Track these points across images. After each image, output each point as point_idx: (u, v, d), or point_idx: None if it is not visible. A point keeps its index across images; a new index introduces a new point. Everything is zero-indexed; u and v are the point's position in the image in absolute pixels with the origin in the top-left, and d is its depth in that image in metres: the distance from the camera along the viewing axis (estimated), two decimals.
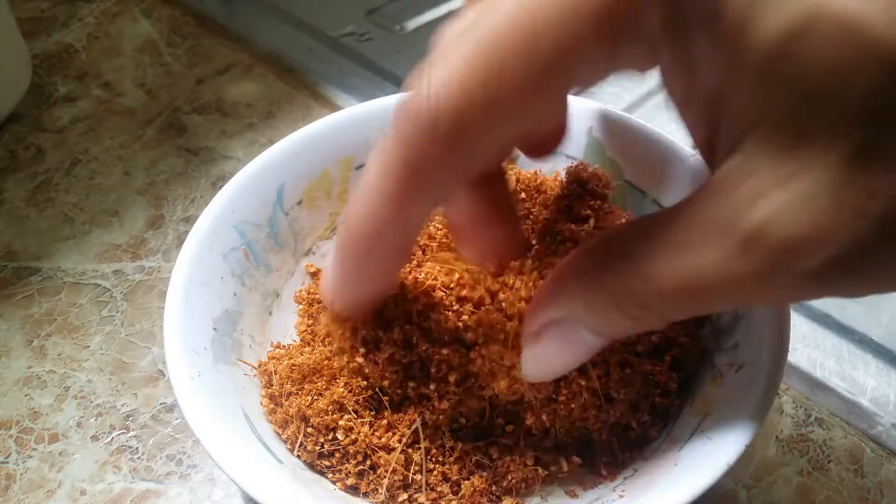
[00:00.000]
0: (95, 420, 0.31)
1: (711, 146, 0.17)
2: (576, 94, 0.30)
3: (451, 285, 0.24)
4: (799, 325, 0.32)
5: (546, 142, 0.24)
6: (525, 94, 0.16)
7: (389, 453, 0.24)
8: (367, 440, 0.24)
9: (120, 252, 0.37)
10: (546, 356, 0.20)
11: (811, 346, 0.32)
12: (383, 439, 0.24)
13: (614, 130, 0.29)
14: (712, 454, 0.21)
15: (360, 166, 0.32)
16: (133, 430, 0.31)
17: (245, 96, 0.45)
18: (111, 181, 0.41)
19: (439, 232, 0.28)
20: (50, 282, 0.36)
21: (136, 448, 0.30)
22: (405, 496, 0.24)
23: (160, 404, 0.31)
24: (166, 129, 0.43)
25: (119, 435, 0.30)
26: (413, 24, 0.50)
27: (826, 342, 0.32)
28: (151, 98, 0.45)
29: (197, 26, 0.50)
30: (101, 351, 0.33)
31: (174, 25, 0.50)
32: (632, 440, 0.26)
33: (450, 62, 0.16)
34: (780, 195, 0.15)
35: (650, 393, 0.25)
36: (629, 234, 0.18)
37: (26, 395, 0.32)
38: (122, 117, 0.44)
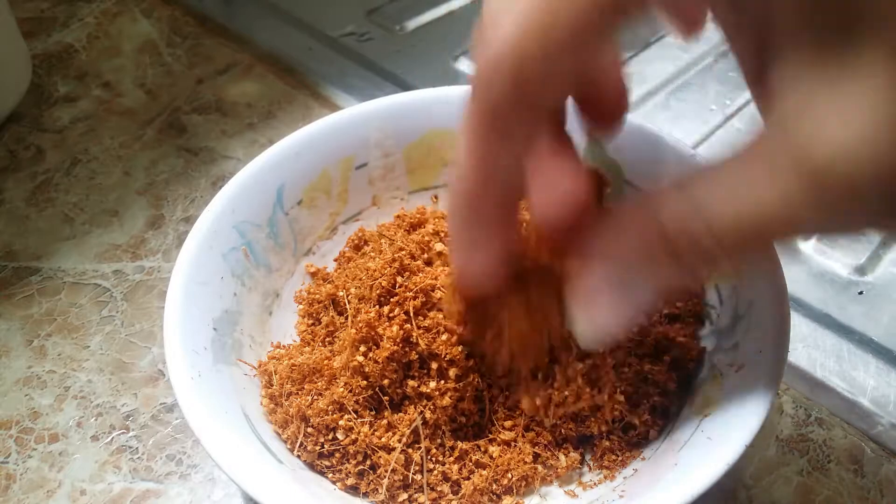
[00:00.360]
0: (95, 420, 0.31)
1: (760, 74, 0.17)
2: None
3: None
4: (799, 325, 0.32)
5: (611, 107, 0.24)
6: (579, 28, 0.16)
7: (389, 453, 0.24)
8: (367, 440, 0.24)
9: (120, 252, 0.37)
10: (601, 314, 0.20)
11: (811, 346, 0.32)
12: (383, 439, 0.24)
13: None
14: (712, 454, 0.21)
15: (361, 166, 0.32)
16: (133, 430, 0.31)
17: (245, 96, 0.45)
18: (111, 181, 0.41)
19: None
20: (50, 282, 0.36)
21: (136, 448, 0.30)
22: (405, 496, 0.24)
23: (160, 404, 0.31)
24: (166, 129, 0.43)
25: (119, 435, 0.30)
26: (413, 24, 0.50)
27: (826, 342, 0.32)
28: (151, 98, 0.45)
29: (197, 26, 0.50)
30: (101, 351, 0.33)
31: (174, 25, 0.50)
32: (632, 440, 0.26)
33: (505, 13, 0.16)
34: (842, 122, 0.14)
35: (649, 392, 0.25)
36: (686, 181, 0.17)
37: (26, 395, 0.32)
38: (122, 117, 0.44)
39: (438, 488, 0.24)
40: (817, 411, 0.30)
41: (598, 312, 0.20)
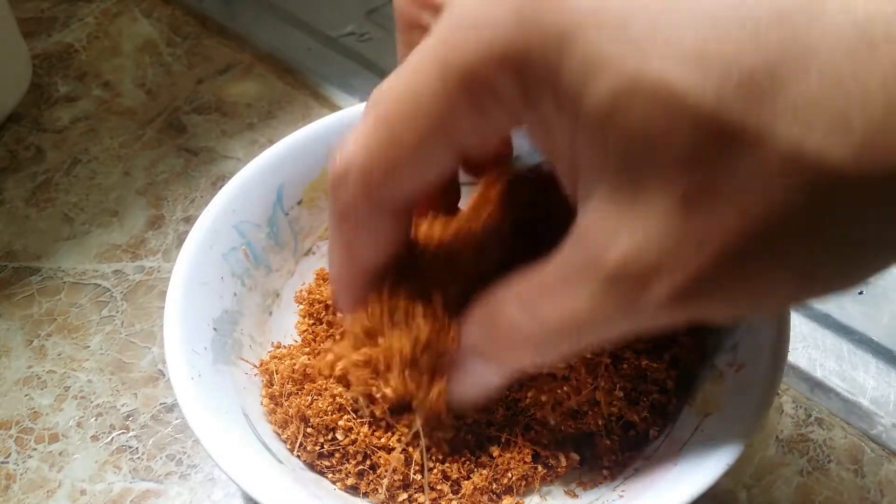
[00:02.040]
0: (95, 420, 0.31)
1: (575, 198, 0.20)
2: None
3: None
4: (799, 325, 0.32)
5: (491, 161, 0.26)
6: (416, 154, 0.19)
7: (389, 453, 0.24)
8: (367, 440, 0.24)
9: (120, 252, 0.37)
10: (459, 388, 0.23)
11: (811, 346, 0.32)
12: (383, 439, 0.24)
13: None
14: (712, 454, 0.21)
15: None
16: (133, 430, 0.31)
17: (245, 96, 0.45)
18: (111, 181, 0.41)
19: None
20: (50, 282, 0.36)
21: (136, 448, 0.30)
22: (405, 496, 0.24)
23: (160, 404, 0.31)
24: (166, 129, 0.43)
25: (119, 435, 0.30)
26: None
27: (826, 342, 0.32)
28: (151, 98, 0.45)
29: (197, 26, 0.50)
30: (101, 351, 0.33)
31: (174, 25, 0.50)
32: (632, 440, 0.26)
33: (360, 128, 0.20)
34: (631, 237, 0.17)
35: (648, 389, 0.25)
36: (522, 279, 0.20)
37: (26, 395, 0.32)
38: (122, 117, 0.44)
39: (438, 487, 0.24)
40: (817, 411, 0.30)
41: (459, 379, 0.23)
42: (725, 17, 0.15)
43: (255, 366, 0.27)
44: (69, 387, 0.32)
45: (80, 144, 0.42)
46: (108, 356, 0.33)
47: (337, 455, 0.25)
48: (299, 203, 0.31)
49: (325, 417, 0.24)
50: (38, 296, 0.35)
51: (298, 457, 0.25)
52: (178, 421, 0.31)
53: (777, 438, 0.30)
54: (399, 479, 0.24)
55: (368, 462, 0.24)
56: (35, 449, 0.30)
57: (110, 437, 0.30)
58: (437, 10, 0.19)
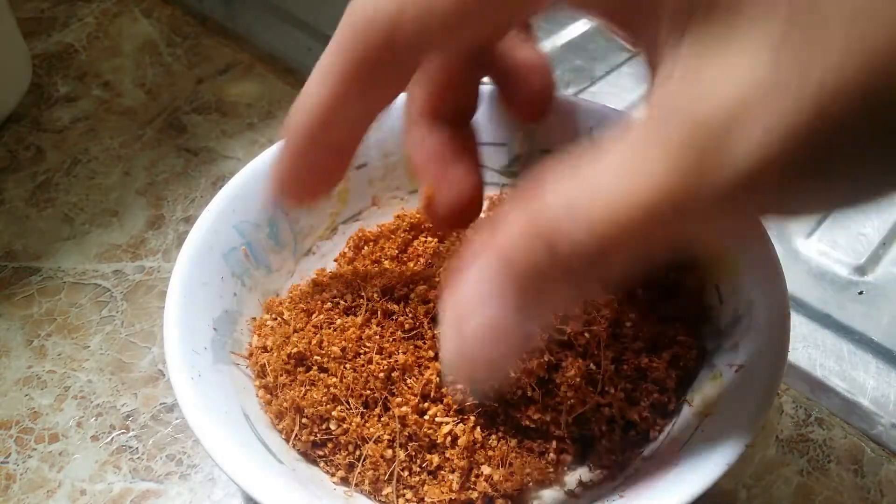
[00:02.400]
0: (95, 420, 0.31)
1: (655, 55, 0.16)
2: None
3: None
4: (799, 325, 0.32)
5: (532, 97, 0.24)
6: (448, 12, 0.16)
7: (377, 444, 0.24)
8: (359, 431, 0.24)
9: (120, 252, 0.37)
10: (472, 338, 0.17)
11: (811, 346, 0.32)
12: (373, 430, 0.24)
13: (615, 129, 0.30)
14: (712, 454, 0.21)
15: (361, 166, 0.32)
16: (133, 430, 0.31)
17: (245, 96, 0.45)
18: (111, 181, 0.41)
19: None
20: (50, 282, 0.36)
21: (136, 448, 0.30)
22: (389, 489, 0.24)
23: (160, 404, 0.31)
24: (166, 129, 0.43)
25: (119, 435, 0.30)
26: None
27: (826, 342, 0.32)
28: (151, 98, 0.45)
29: (197, 26, 0.50)
30: (101, 351, 0.33)
31: (174, 25, 0.50)
32: (632, 440, 0.26)
33: None
34: (720, 87, 0.14)
35: (648, 388, 0.25)
36: (566, 170, 0.16)
37: (26, 395, 0.32)
38: (122, 117, 0.44)
39: (426, 487, 0.24)
40: (817, 411, 0.30)
41: (469, 334, 0.17)
42: None
43: (246, 357, 0.27)
44: (69, 387, 0.32)
45: (80, 144, 0.42)
46: (108, 356, 0.33)
47: (330, 445, 0.25)
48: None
49: (320, 408, 0.24)
50: (38, 296, 0.35)
51: (294, 446, 0.25)
52: (178, 421, 0.31)
53: (777, 438, 0.30)
54: (385, 473, 0.24)
55: (358, 452, 0.24)
56: (35, 449, 0.30)
57: (110, 437, 0.30)
58: None
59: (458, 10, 0.17)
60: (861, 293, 0.34)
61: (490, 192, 0.30)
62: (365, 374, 0.25)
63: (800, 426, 0.30)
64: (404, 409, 0.24)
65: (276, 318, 0.28)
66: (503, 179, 0.32)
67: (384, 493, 0.24)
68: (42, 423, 0.31)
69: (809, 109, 0.13)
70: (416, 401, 0.24)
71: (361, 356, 0.25)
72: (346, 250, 0.31)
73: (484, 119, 0.31)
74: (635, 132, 0.15)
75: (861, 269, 0.35)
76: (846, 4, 0.13)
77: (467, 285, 0.16)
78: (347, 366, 0.25)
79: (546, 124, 0.30)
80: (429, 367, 0.25)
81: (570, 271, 0.16)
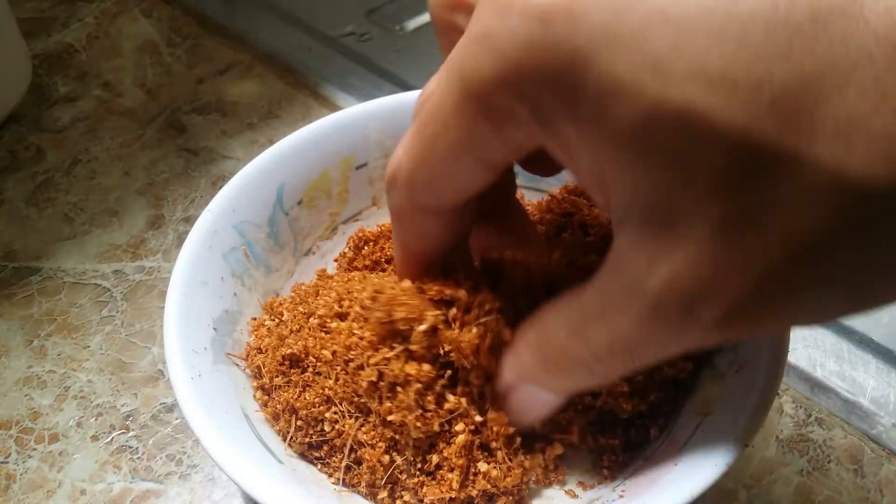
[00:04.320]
0: (95, 420, 0.31)
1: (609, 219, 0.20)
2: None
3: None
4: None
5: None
6: (448, 168, 0.20)
7: (373, 449, 0.24)
8: (353, 435, 0.24)
9: (120, 252, 0.37)
10: (517, 412, 0.24)
11: (811, 346, 0.32)
12: (367, 435, 0.24)
13: None
14: (712, 454, 0.21)
15: (361, 166, 0.32)
16: (133, 430, 0.31)
17: (245, 96, 0.45)
18: (111, 181, 0.41)
19: None
20: (50, 282, 0.36)
21: (136, 448, 0.30)
22: (384, 494, 0.24)
23: (160, 404, 0.31)
24: (166, 129, 0.43)
25: (119, 435, 0.30)
26: (413, 24, 0.50)
27: (826, 342, 0.32)
28: (151, 98, 0.45)
29: (197, 26, 0.50)
30: (101, 351, 0.33)
31: (174, 25, 0.50)
32: (632, 440, 0.26)
33: (408, 135, 0.20)
34: (670, 264, 0.16)
35: (648, 387, 0.25)
36: (567, 304, 0.21)
37: (26, 395, 0.32)
38: (122, 117, 0.44)
39: (425, 487, 0.24)
40: (817, 411, 0.30)
41: (513, 409, 0.24)
42: (753, 27, 0.14)
43: (243, 358, 0.27)
44: (69, 387, 0.32)
45: (80, 144, 0.42)
46: (108, 356, 0.33)
47: (325, 447, 0.25)
48: (299, 203, 0.30)
49: (313, 409, 0.24)
50: (38, 296, 0.35)
51: (290, 448, 0.25)
52: (178, 421, 0.31)
53: (777, 438, 0.30)
54: (380, 478, 0.24)
55: (353, 456, 0.24)
56: (35, 449, 0.30)
57: (110, 437, 0.30)
58: (470, 11, 0.18)
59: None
60: None
61: None
62: (354, 380, 0.24)
63: (800, 426, 0.30)
64: (394, 416, 0.23)
65: (274, 320, 0.28)
66: None
67: (380, 497, 0.24)
68: (42, 423, 0.31)
69: (752, 285, 0.16)
70: (413, 404, 0.23)
71: (352, 362, 0.24)
72: (346, 250, 0.31)
73: None
74: (610, 288, 0.19)
75: None
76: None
77: (503, 383, 0.23)
78: (339, 369, 0.25)
79: None
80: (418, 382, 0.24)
81: (570, 376, 0.21)
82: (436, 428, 0.24)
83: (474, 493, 0.24)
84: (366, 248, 0.31)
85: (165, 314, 0.25)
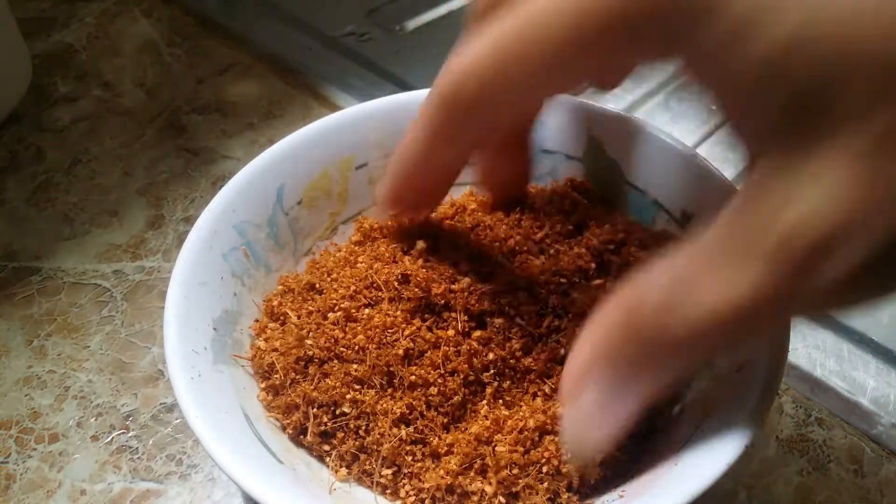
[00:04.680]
0: (95, 420, 0.31)
1: (742, 141, 0.18)
2: (581, 92, 0.31)
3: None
4: (799, 326, 0.32)
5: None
6: (542, 68, 0.18)
7: (389, 416, 0.24)
8: (372, 406, 0.24)
9: (120, 252, 0.37)
10: (583, 418, 0.20)
11: (811, 346, 0.32)
12: (387, 404, 0.24)
13: (615, 130, 0.30)
14: (712, 454, 0.21)
15: (361, 166, 0.31)
16: (133, 430, 0.31)
17: (245, 96, 0.45)
18: (111, 181, 0.41)
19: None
20: (50, 282, 0.36)
21: (136, 448, 0.30)
22: (388, 472, 0.24)
23: (160, 404, 0.31)
24: (166, 129, 0.43)
25: (119, 435, 0.30)
26: (413, 24, 0.50)
27: (826, 342, 0.32)
28: (151, 98, 0.45)
29: (197, 26, 0.50)
30: (101, 351, 0.33)
31: (174, 25, 0.50)
32: (632, 440, 0.26)
33: (482, 36, 0.19)
34: (809, 196, 0.15)
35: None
36: (665, 264, 0.18)
37: (26, 395, 0.32)
38: (122, 117, 0.44)
39: (427, 472, 0.24)
40: (817, 411, 0.30)
41: (579, 413, 0.20)
42: None
43: (248, 359, 0.27)
44: (69, 387, 0.32)
45: (80, 144, 0.42)
46: (108, 356, 0.33)
47: (340, 434, 0.25)
48: (299, 203, 0.30)
49: (334, 393, 0.25)
50: (38, 296, 0.35)
51: (300, 443, 0.25)
52: (178, 421, 0.31)
53: (777, 438, 0.30)
54: (388, 450, 0.24)
55: (368, 437, 0.25)
56: (35, 449, 0.30)
57: (110, 437, 0.30)
58: None
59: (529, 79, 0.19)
60: None
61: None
62: (387, 355, 0.25)
63: (800, 426, 0.30)
64: (416, 371, 0.24)
65: (278, 321, 0.28)
66: None
67: (383, 473, 0.24)
68: (42, 423, 0.31)
69: None
70: (438, 361, 0.25)
71: (385, 341, 0.25)
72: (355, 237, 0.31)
73: None
74: (727, 233, 0.17)
75: None
76: None
77: (571, 375, 0.20)
78: (371, 349, 0.25)
79: (544, 127, 0.30)
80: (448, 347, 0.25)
81: (661, 361, 0.18)
82: (458, 395, 0.24)
83: (472, 487, 0.24)
84: (375, 234, 0.30)
85: (165, 314, 0.25)
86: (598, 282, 0.26)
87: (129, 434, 0.30)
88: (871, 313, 0.33)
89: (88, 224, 0.38)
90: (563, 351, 0.25)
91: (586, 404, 0.19)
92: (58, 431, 0.31)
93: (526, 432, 0.24)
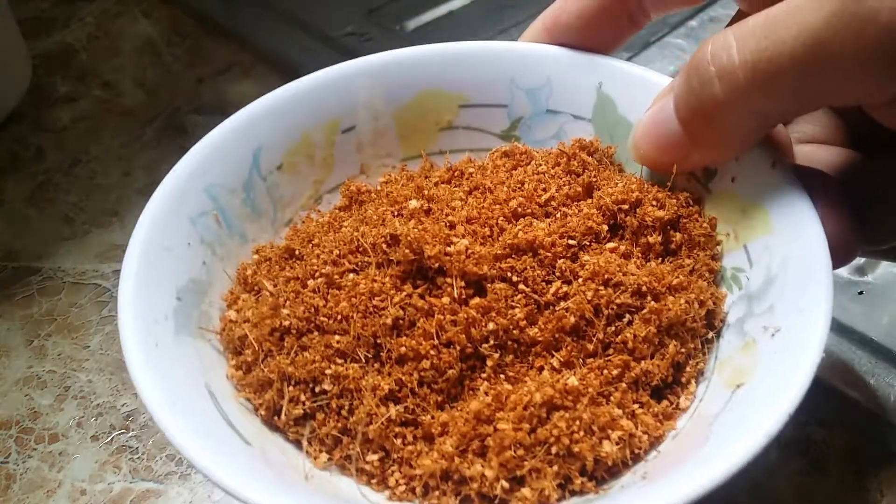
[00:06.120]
0: (95, 420, 0.31)
1: None
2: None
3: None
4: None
5: None
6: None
7: (375, 393, 0.22)
8: (356, 382, 0.22)
9: (120, 252, 0.37)
10: (646, 125, 0.24)
11: None
12: (373, 380, 0.22)
13: (627, 85, 0.27)
14: (747, 429, 0.19)
15: (348, 129, 0.29)
16: (133, 430, 0.31)
17: (245, 96, 0.45)
18: (111, 181, 0.41)
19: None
20: (50, 282, 0.36)
21: (136, 448, 0.30)
22: (374, 457, 0.22)
23: None
24: (166, 129, 0.43)
25: (119, 435, 0.30)
26: (413, 24, 0.50)
27: (826, 342, 0.32)
28: (151, 98, 0.45)
29: (197, 26, 0.50)
30: (101, 351, 0.33)
31: (174, 25, 0.50)
32: (659, 413, 0.23)
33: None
34: None
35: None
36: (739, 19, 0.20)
37: (26, 395, 0.32)
38: (122, 117, 0.44)
39: (419, 457, 0.22)
40: (817, 411, 0.30)
41: (645, 121, 0.24)
42: None
43: (217, 333, 0.25)
44: (69, 387, 0.32)
45: (80, 144, 0.42)
46: (108, 356, 0.33)
47: (319, 416, 0.23)
48: (279, 168, 0.28)
49: (313, 367, 0.22)
50: (38, 296, 0.35)
51: (274, 424, 0.23)
52: None
53: (777, 438, 0.30)
54: (374, 432, 0.22)
55: (350, 417, 0.22)
56: (35, 449, 0.30)
57: (110, 437, 0.30)
58: None
59: None
60: (861, 293, 0.34)
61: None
62: (374, 324, 0.23)
63: (800, 426, 0.30)
64: (407, 343, 0.22)
65: (253, 290, 0.26)
66: (502, 144, 0.29)
67: (368, 459, 0.22)
68: (42, 423, 0.31)
69: None
70: (431, 332, 0.22)
71: (372, 308, 0.23)
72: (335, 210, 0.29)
73: (483, 78, 0.29)
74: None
75: (861, 269, 0.35)
76: None
77: (649, 113, 0.24)
78: (355, 318, 0.23)
79: (549, 83, 0.28)
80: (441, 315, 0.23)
81: (723, 103, 0.21)
82: (453, 369, 0.22)
83: (470, 472, 0.21)
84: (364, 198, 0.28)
85: (121, 278, 0.23)
86: (611, 244, 0.24)
87: (129, 434, 0.30)
88: (871, 313, 0.33)
89: (88, 224, 0.38)
90: (572, 319, 0.22)
91: (654, 140, 0.24)
92: (58, 431, 0.31)
93: (532, 408, 0.21)
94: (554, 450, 0.21)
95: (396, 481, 0.22)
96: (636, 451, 0.22)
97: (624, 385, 0.23)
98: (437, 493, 0.21)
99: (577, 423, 0.21)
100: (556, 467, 0.21)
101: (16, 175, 0.41)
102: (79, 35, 0.50)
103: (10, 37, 0.43)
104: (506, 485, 0.21)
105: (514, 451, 0.21)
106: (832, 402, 0.30)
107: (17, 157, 0.42)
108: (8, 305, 0.35)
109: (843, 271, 0.35)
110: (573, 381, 0.22)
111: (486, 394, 0.22)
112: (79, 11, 0.51)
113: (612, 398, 0.22)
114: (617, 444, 0.21)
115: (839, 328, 0.32)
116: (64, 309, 0.35)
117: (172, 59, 0.48)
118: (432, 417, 0.22)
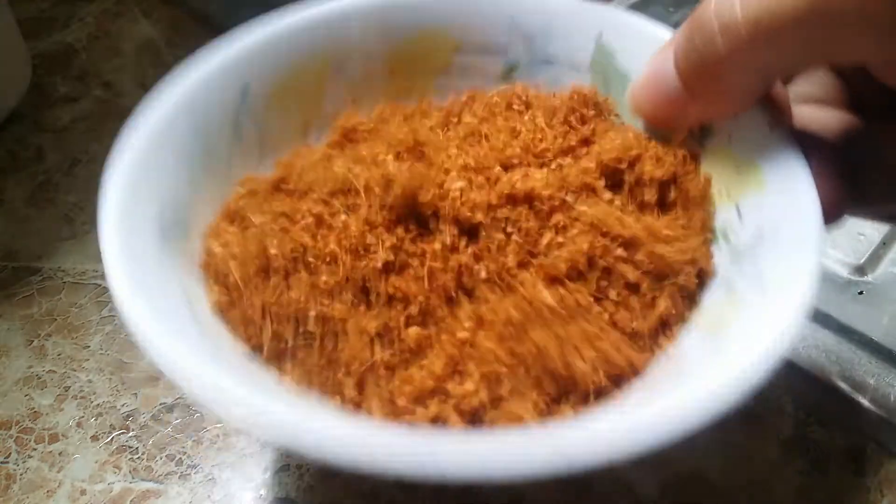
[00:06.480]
0: (95, 420, 0.31)
1: None
2: None
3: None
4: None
5: None
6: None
7: (361, 334, 0.21)
8: (342, 323, 0.22)
9: None
10: (646, 79, 0.24)
11: (811, 346, 0.32)
12: (360, 321, 0.22)
13: (628, 36, 0.27)
14: (728, 370, 0.18)
15: (339, 69, 0.28)
16: (133, 430, 0.31)
17: None
18: None
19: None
20: (50, 282, 0.36)
21: (136, 448, 0.30)
22: (350, 384, 0.22)
23: (160, 404, 0.31)
24: None
25: (119, 435, 0.30)
26: None
27: (826, 342, 0.32)
28: None
29: (197, 26, 0.50)
30: (101, 351, 0.33)
31: (174, 25, 0.50)
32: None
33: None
34: None
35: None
36: None
37: (26, 395, 0.32)
38: (122, 117, 0.44)
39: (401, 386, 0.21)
40: (817, 411, 0.30)
41: (643, 75, 0.24)
42: None
43: (200, 266, 0.24)
44: (69, 387, 0.32)
45: (80, 144, 0.42)
46: (108, 356, 0.33)
47: (301, 354, 0.22)
48: (267, 106, 0.27)
49: (298, 306, 0.22)
50: (38, 296, 0.35)
51: (259, 353, 0.23)
52: (178, 421, 0.31)
53: (777, 438, 0.30)
54: (358, 369, 0.21)
55: (334, 356, 0.22)
56: (35, 449, 0.30)
57: (110, 437, 0.30)
58: None
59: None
60: (861, 293, 0.34)
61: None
62: (363, 267, 0.22)
63: (800, 426, 0.30)
64: (399, 283, 0.22)
65: (238, 222, 0.25)
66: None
67: (345, 392, 0.21)
68: (42, 423, 0.31)
69: None
70: (423, 275, 0.22)
71: (363, 252, 0.22)
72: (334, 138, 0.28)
73: (482, 15, 0.28)
74: None
75: (861, 269, 0.35)
76: None
77: (649, 67, 0.24)
78: (345, 259, 0.22)
79: (547, 32, 0.28)
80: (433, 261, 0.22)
81: (725, 59, 0.21)
82: (442, 311, 0.22)
83: (456, 392, 0.21)
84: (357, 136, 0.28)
85: (104, 193, 0.23)
86: (609, 196, 0.24)
87: (129, 434, 0.30)
88: (871, 313, 0.33)
89: (88, 224, 0.38)
90: (564, 267, 0.22)
91: (652, 97, 0.24)
92: (58, 431, 0.31)
93: (511, 327, 0.21)
94: (534, 371, 0.21)
95: (376, 403, 0.21)
96: (615, 376, 0.22)
97: (605, 322, 0.22)
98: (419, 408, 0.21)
99: (555, 339, 0.21)
100: (535, 392, 0.21)
101: (16, 175, 0.41)
102: (79, 35, 0.50)
103: (10, 37, 0.43)
104: (485, 398, 0.21)
105: (496, 367, 0.21)
106: (832, 402, 0.30)
107: (17, 157, 0.42)
108: (8, 305, 0.35)
109: (844, 271, 0.35)
110: (549, 298, 0.22)
111: (469, 318, 0.22)
112: (79, 11, 0.51)
113: (591, 323, 0.22)
114: (594, 366, 0.21)
115: (839, 328, 0.32)
116: (64, 309, 0.35)
117: (172, 59, 0.48)
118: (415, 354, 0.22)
